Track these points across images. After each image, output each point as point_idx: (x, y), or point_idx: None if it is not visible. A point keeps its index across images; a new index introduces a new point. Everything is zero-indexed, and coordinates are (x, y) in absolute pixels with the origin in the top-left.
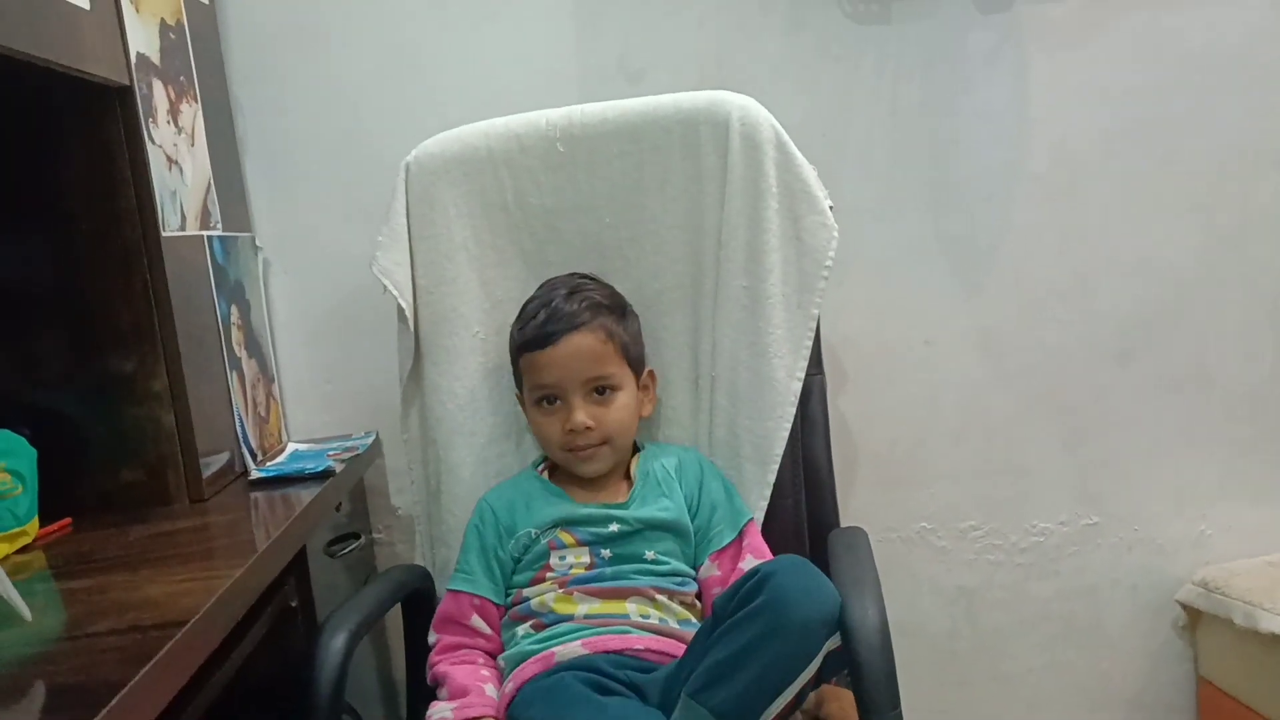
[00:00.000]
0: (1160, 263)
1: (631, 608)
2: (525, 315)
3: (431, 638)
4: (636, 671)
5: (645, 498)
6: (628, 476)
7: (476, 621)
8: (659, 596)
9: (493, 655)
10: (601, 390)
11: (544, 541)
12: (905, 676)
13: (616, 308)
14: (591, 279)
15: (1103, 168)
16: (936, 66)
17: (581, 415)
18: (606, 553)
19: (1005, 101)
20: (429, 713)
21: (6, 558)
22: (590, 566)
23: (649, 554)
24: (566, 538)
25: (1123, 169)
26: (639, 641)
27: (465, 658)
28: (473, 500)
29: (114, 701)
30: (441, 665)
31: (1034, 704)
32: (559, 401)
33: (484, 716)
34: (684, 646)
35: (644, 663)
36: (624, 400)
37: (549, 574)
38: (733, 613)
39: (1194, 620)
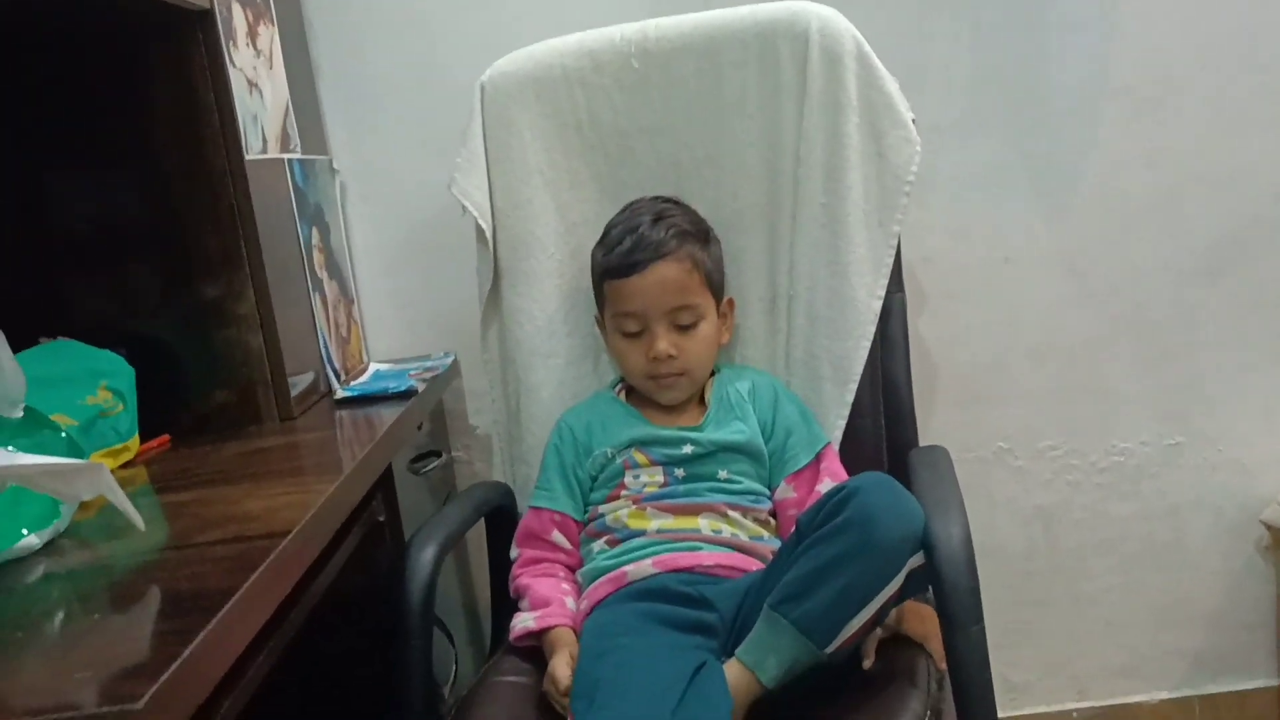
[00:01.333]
0: (1254, 176)
1: (703, 523)
2: (610, 241)
3: (514, 552)
4: (706, 585)
5: (719, 421)
6: (702, 400)
7: (557, 537)
8: (731, 512)
9: (572, 569)
10: (685, 318)
11: (619, 461)
12: (982, 595)
13: (701, 234)
14: (676, 203)
15: (1194, 79)
16: None
17: (664, 344)
18: (680, 472)
19: (1092, 12)
20: (512, 622)
21: (112, 472)
22: (663, 484)
23: (722, 474)
24: (641, 457)
25: (1215, 80)
26: (709, 558)
27: (546, 571)
28: (551, 420)
29: (227, 606)
30: (524, 578)
31: (1112, 623)
32: (641, 328)
33: (563, 625)
34: (755, 561)
35: (713, 578)
36: (706, 331)
37: (623, 491)
38: (817, 528)
39: (1277, 540)
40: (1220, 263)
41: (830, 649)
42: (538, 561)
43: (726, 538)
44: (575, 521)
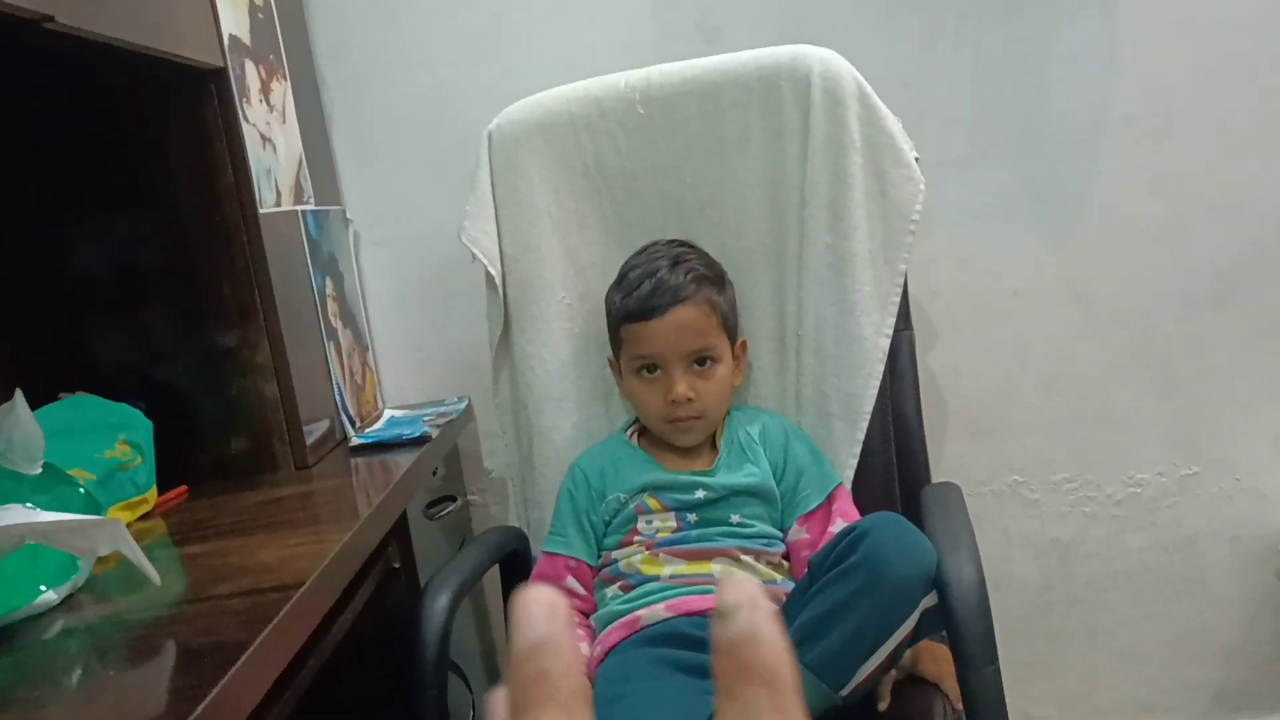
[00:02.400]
0: (1259, 202)
1: (716, 568)
2: (628, 284)
3: None
4: None
5: (731, 464)
6: (714, 444)
7: (571, 583)
8: (744, 557)
9: (587, 614)
10: (702, 361)
11: (632, 506)
12: (997, 629)
13: (717, 278)
14: (691, 247)
15: (1197, 106)
16: (1021, 9)
17: (683, 387)
18: (692, 517)
19: (1093, 42)
20: None
21: (129, 525)
22: (676, 530)
23: (734, 518)
24: (653, 503)
25: (1218, 107)
26: None
27: None
28: (564, 463)
29: (242, 659)
30: None
31: (1128, 656)
32: (659, 371)
33: None
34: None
35: None
36: (722, 373)
37: (636, 537)
38: (829, 569)
39: None
40: (1228, 289)
41: (845, 691)
42: None
43: None
44: (590, 567)
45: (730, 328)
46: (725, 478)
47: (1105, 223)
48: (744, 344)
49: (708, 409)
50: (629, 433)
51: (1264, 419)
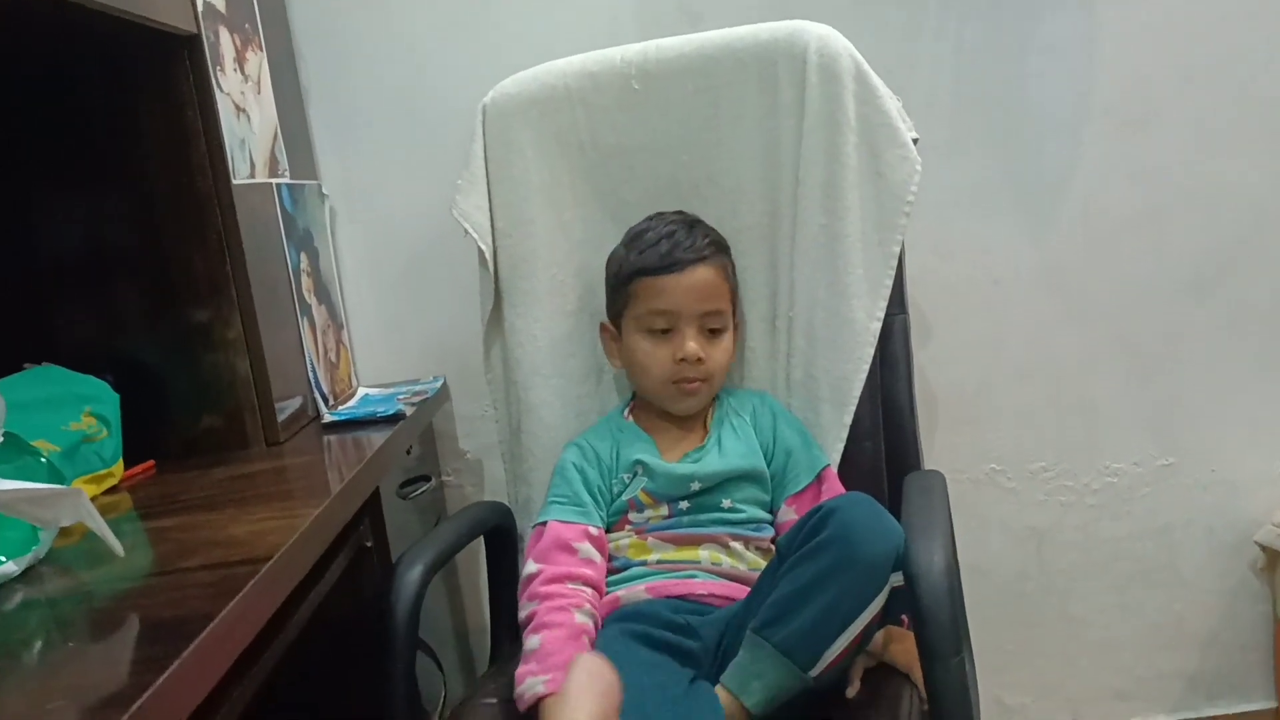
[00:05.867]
0: (1237, 193)
1: (704, 554)
2: (644, 241)
3: (532, 567)
4: (693, 615)
5: (722, 448)
6: (704, 424)
7: (589, 550)
8: (733, 543)
9: (599, 587)
10: (713, 325)
11: (625, 499)
12: (974, 617)
13: (728, 250)
14: (699, 219)
15: (1176, 99)
16: (1002, 1)
17: (694, 345)
18: (685, 504)
19: (1074, 35)
20: (518, 677)
21: (95, 498)
22: (667, 516)
23: (725, 503)
24: (646, 499)
25: (1197, 99)
26: (701, 586)
27: (566, 601)
28: (553, 440)
29: (206, 631)
30: (543, 613)
31: (1105, 645)
32: (669, 331)
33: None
34: (749, 590)
35: (703, 606)
36: (727, 344)
37: (627, 525)
38: (797, 549)
39: (1273, 561)
40: (1204, 280)
41: (814, 672)
42: (560, 580)
43: (725, 569)
44: (605, 538)
45: (735, 302)
46: (718, 465)
47: (1085, 213)
48: (738, 325)
49: (713, 374)
50: (625, 412)
51: (1237, 409)
